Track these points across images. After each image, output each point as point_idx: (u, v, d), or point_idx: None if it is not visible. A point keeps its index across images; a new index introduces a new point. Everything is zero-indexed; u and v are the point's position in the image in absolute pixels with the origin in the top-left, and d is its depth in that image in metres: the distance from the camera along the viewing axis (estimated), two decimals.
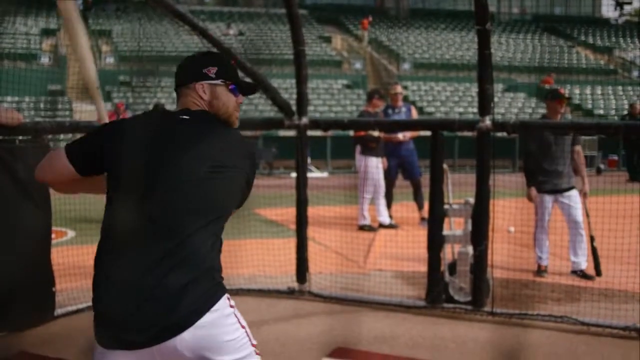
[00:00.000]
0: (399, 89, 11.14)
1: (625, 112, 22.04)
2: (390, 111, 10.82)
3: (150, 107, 12.04)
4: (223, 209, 2.65)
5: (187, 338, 2.42)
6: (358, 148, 10.54)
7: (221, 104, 2.77)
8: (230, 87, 2.80)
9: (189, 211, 2.51)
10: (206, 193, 2.55)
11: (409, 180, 10.93)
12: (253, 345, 2.63)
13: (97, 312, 2.51)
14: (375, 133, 10.17)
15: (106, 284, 2.50)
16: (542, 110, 7.78)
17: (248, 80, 2.90)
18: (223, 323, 2.52)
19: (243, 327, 2.60)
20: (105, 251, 2.54)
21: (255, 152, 2.82)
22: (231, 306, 2.59)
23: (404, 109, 10.79)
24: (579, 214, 7.39)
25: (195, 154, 2.57)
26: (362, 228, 10.33)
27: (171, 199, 2.51)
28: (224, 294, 2.58)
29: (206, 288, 2.51)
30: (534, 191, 7.38)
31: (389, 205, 10.78)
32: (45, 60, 26.66)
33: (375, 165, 10.42)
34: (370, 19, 34.48)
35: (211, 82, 2.75)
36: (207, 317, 2.46)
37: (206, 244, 2.55)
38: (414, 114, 11.12)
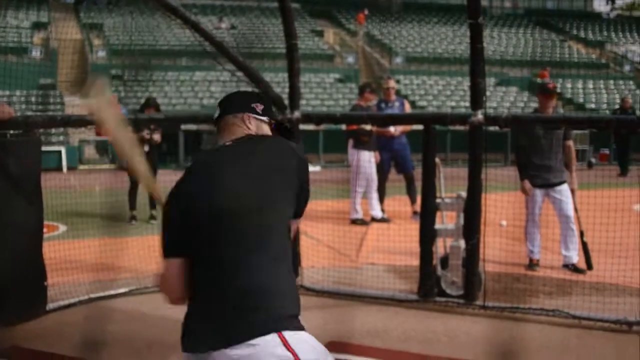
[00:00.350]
0: (391, 83, 11.14)
1: (617, 106, 22.11)
2: (383, 105, 10.83)
3: (142, 100, 11.97)
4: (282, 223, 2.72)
5: (231, 355, 2.38)
6: (350, 142, 10.54)
7: None
8: (272, 125, 2.94)
9: (271, 226, 2.65)
10: (282, 204, 2.70)
11: (401, 173, 10.95)
12: None
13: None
14: (368, 127, 10.17)
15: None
16: (535, 104, 7.80)
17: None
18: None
19: None
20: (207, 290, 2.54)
21: (306, 161, 2.93)
22: (290, 350, 2.41)
23: (397, 103, 10.81)
24: (570, 208, 7.41)
25: (283, 172, 2.74)
26: (354, 222, 10.34)
27: (262, 217, 2.62)
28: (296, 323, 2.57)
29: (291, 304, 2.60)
30: (527, 184, 7.39)
31: (381, 199, 10.79)
32: (36, 53, 26.54)
33: (368, 159, 10.42)
34: (366, 12, 34.38)
35: (258, 117, 2.88)
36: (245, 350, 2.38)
37: (273, 267, 2.61)
38: (407, 108, 11.13)
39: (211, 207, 2.55)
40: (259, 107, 2.91)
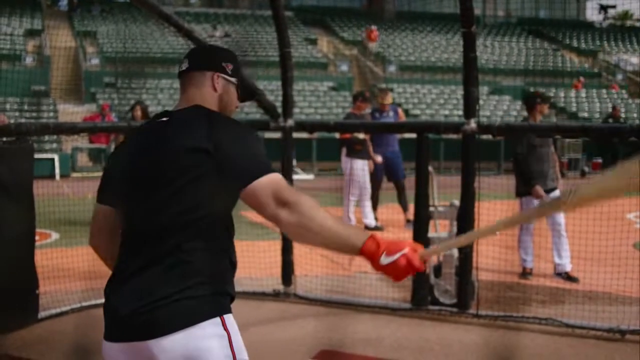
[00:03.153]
0: (389, 99, 11.14)
1: (606, 115, 22.20)
2: (377, 115, 10.86)
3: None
4: (203, 211, 2.43)
5: (163, 346, 2.32)
6: (344, 150, 10.55)
7: (229, 101, 2.70)
8: (239, 88, 2.74)
9: (165, 218, 2.41)
10: (180, 196, 2.41)
11: (392, 182, 10.96)
12: None
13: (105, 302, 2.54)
14: (361, 136, 10.19)
15: (112, 277, 2.55)
16: (526, 113, 7.87)
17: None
18: (206, 345, 2.35)
19: (234, 355, 2.42)
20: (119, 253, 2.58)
21: (231, 126, 2.52)
22: (226, 329, 2.41)
23: (391, 113, 10.83)
24: (562, 216, 7.42)
25: (165, 156, 2.45)
26: None
27: (151, 207, 2.44)
28: (217, 313, 2.40)
29: (189, 301, 2.36)
30: (540, 189, 7.32)
31: (374, 208, 10.80)
32: (29, 61, 26.51)
33: (361, 168, 10.44)
34: (376, 29, 34.20)
35: (227, 77, 2.68)
36: (185, 333, 2.33)
37: (187, 244, 2.40)
38: (401, 116, 11.16)
39: (111, 184, 2.65)
40: (229, 67, 2.70)
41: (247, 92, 2.81)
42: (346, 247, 2.43)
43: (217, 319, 2.40)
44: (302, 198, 2.41)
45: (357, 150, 10.36)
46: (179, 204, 2.41)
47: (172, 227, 2.41)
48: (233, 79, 2.70)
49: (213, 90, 2.66)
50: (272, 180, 2.40)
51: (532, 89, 27.89)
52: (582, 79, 31.94)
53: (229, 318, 2.45)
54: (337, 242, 2.42)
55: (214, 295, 2.42)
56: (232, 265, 2.59)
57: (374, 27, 33.62)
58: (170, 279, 2.37)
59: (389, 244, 2.40)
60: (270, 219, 2.43)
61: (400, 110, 11.34)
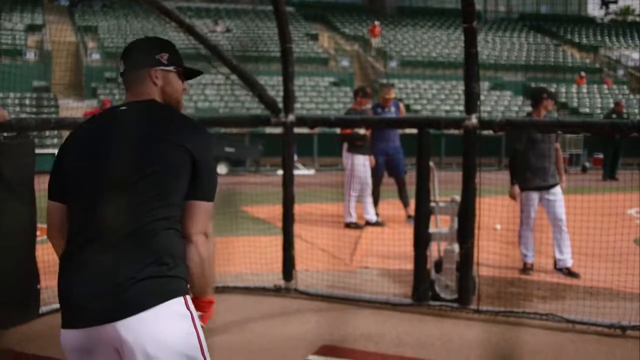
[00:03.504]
0: (392, 93, 11.13)
1: (609, 111, 22.16)
2: (379, 110, 10.85)
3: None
4: (165, 197, 2.51)
5: (131, 326, 2.34)
6: (345, 146, 10.54)
7: (173, 90, 2.77)
8: (180, 72, 2.81)
9: (135, 199, 2.47)
10: (144, 187, 2.48)
11: (393, 177, 10.96)
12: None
13: (59, 294, 2.53)
14: (362, 131, 10.18)
15: (67, 269, 2.54)
16: (528, 108, 7.84)
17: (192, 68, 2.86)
18: (173, 324, 2.41)
19: (199, 336, 2.47)
20: (68, 242, 2.59)
21: (202, 133, 2.67)
22: (189, 309, 2.47)
23: (392, 108, 10.81)
24: (563, 212, 7.43)
25: (125, 139, 2.55)
26: (348, 226, 10.34)
27: (111, 197, 2.48)
28: (180, 293, 2.47)
29: (154, 280, 2.40)
30: (517, 188, 7.40)
31: (375, 203, 10.80)
32: (30, 56, 26.50)
33: (362, 163, 10.43)
34: (379, 25, 34.13)
35: (164, 69, 2.75)
36: (153, 312, 2.37)
37: (150, 225, 2.46)
38: (402, 112, 11.14)
39: (67, 175, 2.64)
40: (165, 57, 2.76)
41: (189, 72, 2.87)
42: (205, 290, 2.66)
43: (181, 299, 2.46)
44: (211, 237, 2.66)
45: (358, 146, 10.36)
46: (149, 190, 2.49)
47: (137, 211, 2.47)
48: (171, 67, 2.77)
49: (154, 85, 2.73)
50: (211, 208, 2.65)
51: (533, 85, 27.92)
52: (583, 74, 31.88)
53: (189, 299, 2.51)
54: (206, 283, 2.65)
55: (176, 276, 2.48)
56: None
57: (377, 23, 33.52)
58: (134, 259, 2.41)
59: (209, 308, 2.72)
60: (188, 235, 2.57)
61: (401, 106, 11.33)
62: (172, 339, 2.39)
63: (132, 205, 2.46)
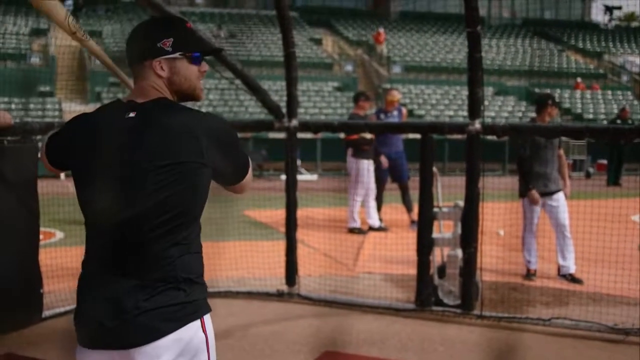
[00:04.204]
0: (397, 96, 11.10)
1: (615, 116, 22.13)
2: (382, 115, 10.85)
3: None
4: (184, 214, 2.37)
5: (147, 352, 2.31)
6: (349, 151, 10.54)
7: (183, 79, 2.49)
8: (191, 56, 2.48)
9: (147, 221, 2.33)
10: (160, 201, 2.32)
11: (396, 182, 10.95)
12: None
13: (76, 309, 2.48)
14: (368, 135, 10.18)
15: (83, 285, 2.47)
16: (532, 114, 7.85)
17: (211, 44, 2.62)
18: (186, 351, 2.34)
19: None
20: (87, 253, 2.51)
21: (221, 128, 2.45)
22: (205, 332, 2.40)
23: (395, 112, 10.81)
24: (566, 217, 7.41)
25: (142, 160, 2.32)
26: (351, 231, 10.33)
27: (126, 210, 2.34)
28: (198, 316, 2.39)
29: (173, 299, 2.33)
30: (535, 193, 7.33)
31: (379, 208, 10.80)
32: (35, 60, 26.56)
33: (367, 168, 10.43)
34: (383, 31, 34.14)
35: (168, 57, 2.45)
36: (168, 340, 2.31)
37: (171, 252, 2.35)
38: (405, 116, 11.14)
39: (77, 169, 2.50)
40: (168, 43, 2.43)
41: (205, 49, 2.57)
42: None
43: (198, 322, 2.39)
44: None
45: (363, 151, 10.36)
46: (164, 208, 2.34)
47: (155, 234, 2.34)
48: (177, 54, 2.46)
49: (159, 78, 2.46)
50: (250, 176, 2.65)
51: (537, 90, 27.91)
52: (579, 79, 31.73)
53: (207, 319, 2.44)
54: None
55: (194, 298, 2.40)
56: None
57: (382, 30, 33.54)
58: (152, 285, 2.33)
59: None
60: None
61: (404, 110, 11.32)
62: None
63: (149, 227, 2.33)
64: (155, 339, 2.30)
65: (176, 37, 2.46)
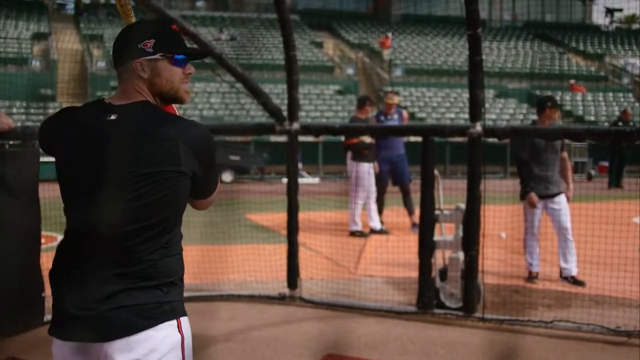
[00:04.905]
0: (395, 99, 11.12)
1: (616, 118, 22.12)
2: (382, 117, 10.86)
3: None
4: (164, 220, 2.38)
5: (119, 347, 2.32)
6: (349, 154, 10.54)
7: (164, 81, 2.46)
8: (172, 59, 2.46)
9: (127, 227, 2.32)
10: (140, 208, 2.32)
11: (398, 185, 10.94)
12: None
13: (53, 302, 2.47)
14: (368, 139, 10.18)
15: (59, 273, 2.47)
16: (533, 116, 7.85)
17: (194, 46, 2.64)
18: (161, 346, 2.35)
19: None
20: (63, 249, 2.50)
21: (202, 139, 2.41)
22: (180, 332, 2.40)
23: (395, 115, 10.82)
24: (567, 220, 7.40)
25: (122, 166, 2.31)
26: (353, 234, 10.33)
27: (104, 208, 2.34)
28: (173, 314, 2.39)
29: (152, 298, 2.34)
30: (534, 196, 7.33)
31: (380, 211, 10.80)
32: (36, 64, 26.61)
33: (367, 171, 10.43)
34: (390, 36, 34.15)
35: (149, 58, 2.43)
36: (143, 335, 2.32)
37: (152, 256, 2.35)
38: (406, 119, 11.13)
39: (59, 169, 2.50)
40: (149, 44, 2.42)
41: (187, 51, 2.53)
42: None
43: (174, 322, 2.40)
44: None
45: (363, 154, 10.36)
46: (144, 215, 2.34)
47: (134, 231, 2.34)
48: (158, 55, 2.44)
49: (141, 79, 2.44)
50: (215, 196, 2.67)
51: (538, 93, 27.92)
52: (573, 81, 31.61)
53: (184, 321, 2.44)
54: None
55: (172, 299, 2.40)
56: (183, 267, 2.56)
57: (388, 35, 33.57)
58: (129, 282, 2.33)
59: None
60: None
61: (405, 113, 11.32)
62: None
63: (129, 233, 2.33)
64: (129, 334, 2.31)
65: (158, 38, 2.45)
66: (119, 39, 2.52)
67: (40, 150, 2.72)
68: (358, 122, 10.46)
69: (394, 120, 10.68)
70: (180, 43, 2.52)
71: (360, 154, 10.36)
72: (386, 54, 33.05)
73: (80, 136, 2.42)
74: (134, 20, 2.86)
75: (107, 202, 2.33)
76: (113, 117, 2.38)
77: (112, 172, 2.32)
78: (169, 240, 2.41)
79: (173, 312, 2.40)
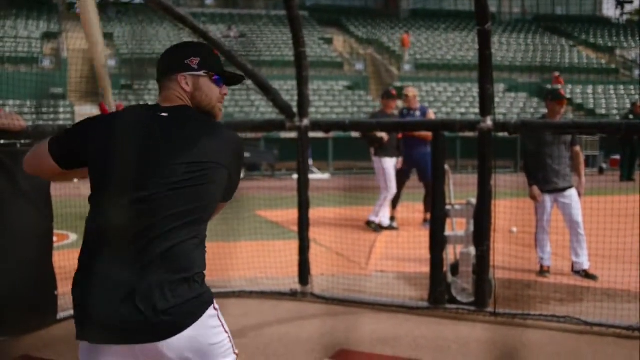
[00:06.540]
0: (411, 92, 11.03)
1: (627, 111, 22.01)
2: (405, 112, 10.82)
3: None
4: (203, 209, 2.56)
5: (171, 341, 2.41)
6: (372, 150, 10.52)
7: (204, 96, 2.70)
8: (213, 77, 2.72)
9: (169, 212, 2.46)
10: (185, 193, 2.49)
11: (423, 182, 10.81)
12: (235, 353, 2.62)
13: (82, 307, 2.47)
14: (380, 134, 10.14)
15: (92, 281, 2.46)
16: (544, 110, 7.83)
17: (234, 71, 2.82)
18: (207, 325, 2.50)
19: (226, 332, 2.59)
20: (90, 249, 2.52)
21: (239, 143, 2.73)
22: (215, 309, 2.56)
23: (417, 113, 10.72)
24: (579, 214, 7.38)
25: (173, 154, 2.51)
26: (368, 224, 10.29)
27: (151, 200, 2.46)
28: (210, 303, 2.55)
29: (192, 292, 2.47)
30: (536, 190, 7.36)
31: (394, 206, 10.77)
32: (46, 63, 26.70)
33: (391, 166, 10.41)
34: (410, 35, 34.07)
35: (193, 74, 2.69)
36: (192, 329, 2.45)
37: (188, 245, 2.50)
38: (430, 116, 10.92)
39: (102, 166, 2.55)
40: (195, 62, 2.69)
41: (229, 76, 2.79)
42: None
43: (212, 309, 2.55)
44: None
45: (383, 148, 10.32)
46: (187, 204, 2.50)
47: (172, 225, 2.46)
48: (201, 72, 2.70)
49: (183, 91, 2.69)
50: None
51: (548, 86, 27.80)
52: (556, 73, 31.17)
53: (216, 305, 2.59)
54: None
55: (206, 289, 2.56)
56: None
57: (407, 33, 33.51)
58: (172, 279, 2.43)
59: None
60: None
61: (430, 112, 11.08)
62: (209, 345, 2.50)
63: (167, 218, 2.46)
64: (180, 331, 2.41)
65: (202, 57, 2.72)
66: (167, 53, 2.78)
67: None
68: (384, 116, 10.39)
69: (415, 117, 10.57)
70: (221, 66, 2.78)
71: (375, 147, 10.33)
72: (408, 54, 32.97)
73: (132, 129, 2.59)
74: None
75: (155, 185, 2.47)
76: (164, 114, 2.62)
77: (164, 158, 2.51)
78: (201, 231, 2.56)
79: (210, 300, 2.55)
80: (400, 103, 12.61)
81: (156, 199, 2.46)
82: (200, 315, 2.47)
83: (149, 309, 2.37)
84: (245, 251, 7.65)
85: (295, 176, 7.06)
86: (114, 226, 2.48)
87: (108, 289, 2.41)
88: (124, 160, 2.53)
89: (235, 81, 2.85)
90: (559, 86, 28.40)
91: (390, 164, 10.41)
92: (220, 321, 2.57)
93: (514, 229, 8.90)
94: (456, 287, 6.21)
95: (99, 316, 2.42)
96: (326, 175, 20.46)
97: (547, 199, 7.43)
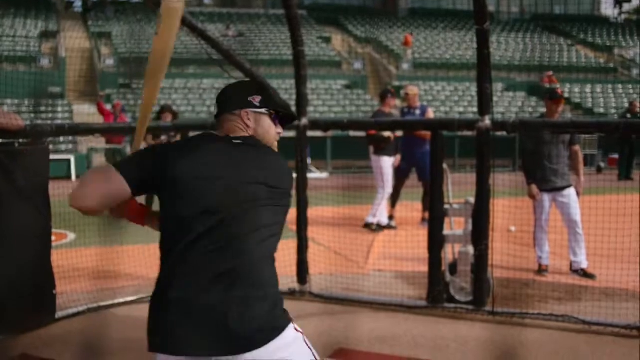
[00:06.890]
0: (411, 90, 11.04)
1: (624, 110, 22.03)
2: (405, 110, 10.83)
3: (156, 108, 11.70)
4: (278, 228, 2.69)
5: (261, 355, 2.46)
6: (371, 148, 10.51)
7: (265, 133, 2.83)
8: (272, 116, 2.85)
9: (251, 232, 2.56)
10: (266, 214, 2.61)
11: (422, 181, 10.81)
12: None
13: (162, 321, 2.55)
14: (386, 133, 10.14)
15: (171, 297, 2.53)
16: (542, 109, 7.82)
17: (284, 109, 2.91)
18: (294, 346, 2.56)
19: (312, 352, 2.65)
20: (170, 268, 2.58)
21: (291, 174, 2.89)
22: (297, 330, 2.61)
23: (417, 112, 10.73)
24: (577, 213, 7.39)
25: (254, 177, 2.62)
26: (367, 226, 10.29)
27: (235, 221, 2.55)
28: (289, 319, 2.60)
29: (274, 310, 2.54)
30: (535, 188, 7.38)
31: (393, 205, 10.77)
32: (44, 62, 26.68)
33: (389, 165, 10.41)
34: (413, 35, 34.06)
35: (256, 111, 2.81)
36: (276, 342, 2.49)
37: (267, 263, 2.61)
38: (429, 114, 10.92)
39: (183, 188, 2.59)
40: (257, 99, 2.82)
41: (288, 111, 2.93)
42: None
43: (291, 325, 2.60)
44: None
45: (381, 148, 10.32)
46: (270, 221, 2.64)
47: (261, 243, 2.58)
48: (263, 110, 2.82)
49: (246, 127, 2.79)
50: None
51: (547, 85, 27.81)
52: (549, 73, 31.13)
53: (294, 322, 2.64)
54: None
55: (285, 310, 2.63)
56: None
57: (410, 33, 33.50)
58: (257, 295, 2.51)
59: None
60: None
61: (429, 110, 11.10)
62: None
63: (250, 235, 2.56)
64: (264, 343, 2.47)
65: (264, 96, 2.85)
66: (228, 90, 2.91)
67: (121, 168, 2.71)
68: (382, 116, 10.38)
69: (415, 116, 10.58)
70: (279, 103, 2.92)
71: (380, 147, 10.33)
72: (409, 53, 32.97)
73: (214, 153, 2.68)
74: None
75: (243, 203, 2.58)
76: (238, 141, 2.74)
77: (249, 180, 2.62)
78: (275, 250, 2.68)
79: (288, 317, 2.62)
80: (400, 102, 12.62)
81: (241, 216, 2.56)
82: (282, 331, 2.52)
83: (237, 323, 2.43)
84: None
85: (294, 175, 7.05)
86: (200, 245, 2.53)
87: (194, 307, 2.47)
88: (210, 180, 2.59)
89: (289, 120, 2.98)
90: (556, 85, 28.41)
91: (388, 163, 10.41)
92: (307, 345, 2.64)
93: (513, 228, 8.91)
94: (455, 286, 6.21)
95: (183, 330, 2.49)
96: (324, 175, 20.45)
97: (546, 198, 7.43)
